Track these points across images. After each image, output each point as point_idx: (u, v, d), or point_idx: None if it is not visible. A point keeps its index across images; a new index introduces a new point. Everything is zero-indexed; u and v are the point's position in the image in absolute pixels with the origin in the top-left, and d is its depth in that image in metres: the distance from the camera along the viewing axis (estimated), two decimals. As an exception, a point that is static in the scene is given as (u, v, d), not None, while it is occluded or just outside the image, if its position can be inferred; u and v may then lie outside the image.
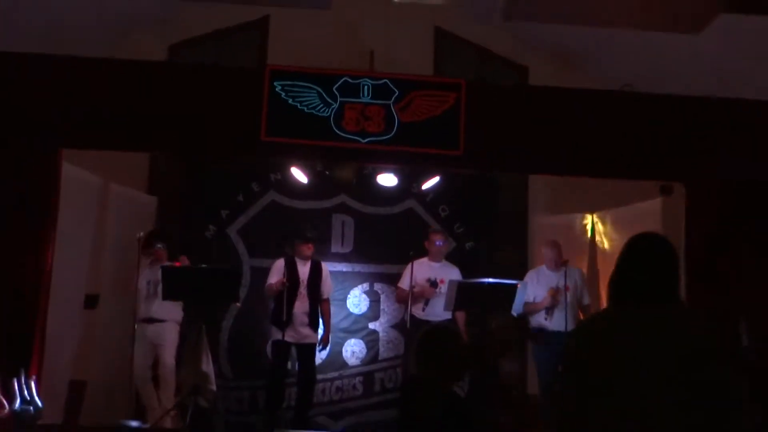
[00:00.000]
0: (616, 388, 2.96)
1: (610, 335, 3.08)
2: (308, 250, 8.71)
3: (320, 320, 8.79)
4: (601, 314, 3.17)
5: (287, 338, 8.36)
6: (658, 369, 2.92)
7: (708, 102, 7.89)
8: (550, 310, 8.50)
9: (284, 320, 8.32)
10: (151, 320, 8.25)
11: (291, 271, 8.56)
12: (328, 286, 8.94)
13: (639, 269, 3.16)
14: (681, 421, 2.86)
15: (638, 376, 2.94)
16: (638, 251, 3.22)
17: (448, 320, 8.39)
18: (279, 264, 8.66)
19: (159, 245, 8.42)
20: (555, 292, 8.48)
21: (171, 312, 8.36)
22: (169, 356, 8.23)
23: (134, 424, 7.25)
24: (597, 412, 2.98)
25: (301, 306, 8.52)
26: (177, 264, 8.30)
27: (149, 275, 8.35)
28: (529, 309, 8.57)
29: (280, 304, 8.45)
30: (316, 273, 8.77)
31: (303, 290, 8.58)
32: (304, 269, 8.67)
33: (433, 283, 8.71)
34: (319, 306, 8.76)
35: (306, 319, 8.54)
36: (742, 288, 7.56)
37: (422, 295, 8.66)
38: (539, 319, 8.58)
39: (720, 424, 2.86)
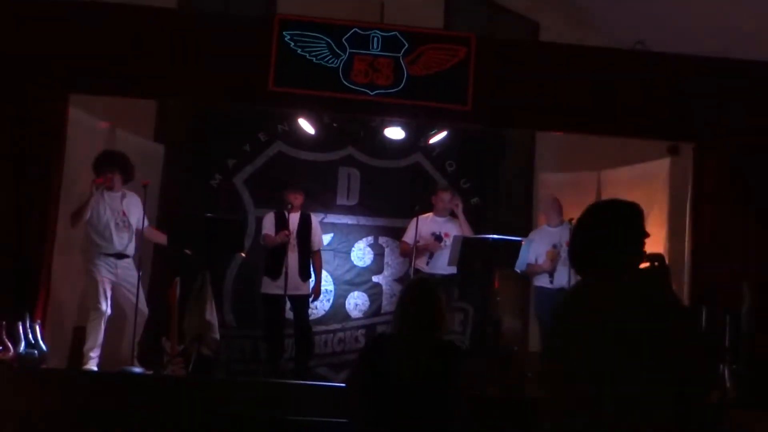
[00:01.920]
0: (568, 357, 3.01)
1: (567, 306, 3.15)
2: (296, 199, 8.62)
3: (312, 272, 8.81)
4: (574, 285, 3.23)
5: (279, 290, 8.36)
6: (600, 340, 2.94)
7: (719, 62, 7.84)
8: (552, 273, 8.51)
9: (278, 272, 8.35)
10: (120, 256, 7.73)
11: (280, 223, 8.54)
12: (318, 238, 8.94)
13: (579, 240, 3.19)
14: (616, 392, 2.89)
15: (584, 347, 2.97)
16: (580, 222, 3.22)
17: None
18: (270, 217, 8.67)
19: (110, 170, 7.73)
20: (553, 255, 8.49)
21: (134, 248, 7.92)
22: (142, 303, 7.76)
23: (137, 370, 7.29)
24: (556, 380, 3.05)
25: (292, 257, 8.49)
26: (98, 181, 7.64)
27: (110, 204, 7.74)
28: (531, 270, 8.59)
29: (273, 256, 8.49)
30: (305, 225, 8.74)
31: (293, 242, 8.54)
32: (293, 221, 8.60)
33: (438, 238, 8.73)
34: (310, 258, 8.76)
35: (297, 271, 8.55)
36: (747, 249, 7.57)
37: (427, 248, 8.69)
38: (542, 281, 8.60)
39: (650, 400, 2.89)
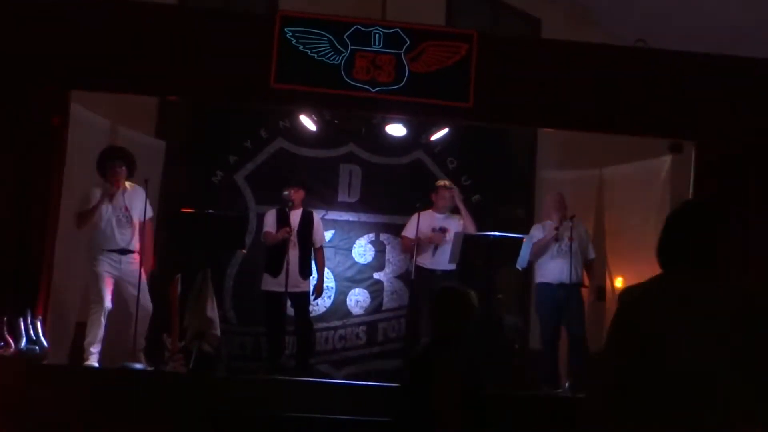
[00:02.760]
0: (666, 348, 2.96)
1: (661, 296, 3.09)
2: (295, 194, 8.59)
3: (314, 269, 8.80)
4: (653, 278, 3.19)
5: (280, 287, 8.34)
6: (705, 329, 2.93)
7: (722, 60, 7.82)
8: (556, 233, 8.39)
9: (279, 269, 8.34)
10: (124, 251, 7.73)
11: (282, 220, 8.53)
12: (320, 235, 8.93)
13: (674, 235, 3.18)
14: (727, 378, 2.88)
15: (686, 337, 2.94)
16: (674, 217, 3.22)
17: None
18: (271, 214, 8.66)
19: (116, 163, 7.78)
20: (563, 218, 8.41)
21: (137, 243, 7.89)
22: (146, 299, 7.76)
23: (138, 366, 7.29)
24: (645, 373, 2.99)
25: (293, 254, 8.46)
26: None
27: (112, 201, 7.77)
28: (536, 249, 8.43)
29: (274, 253, 8.49)
30: (306, 222, 8.72)
31: (294, 239, 8.52)
32: (294, 218, 8.57)
33: (441, 229, 8.70)
34: (311, 255, 8.76)
35: (297, 268, 8.53)
36: (747, 249, 7.54)
37: (431, 241, 8.64)
38: (544, 277, 8.53)
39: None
